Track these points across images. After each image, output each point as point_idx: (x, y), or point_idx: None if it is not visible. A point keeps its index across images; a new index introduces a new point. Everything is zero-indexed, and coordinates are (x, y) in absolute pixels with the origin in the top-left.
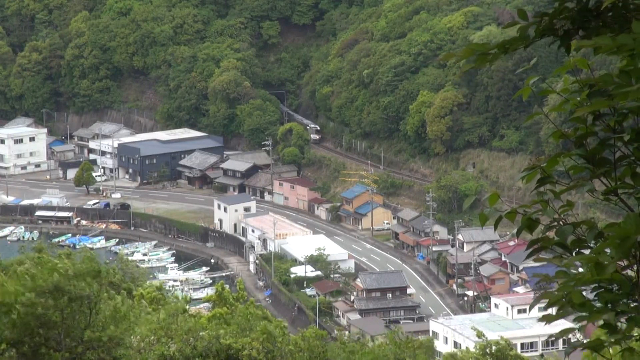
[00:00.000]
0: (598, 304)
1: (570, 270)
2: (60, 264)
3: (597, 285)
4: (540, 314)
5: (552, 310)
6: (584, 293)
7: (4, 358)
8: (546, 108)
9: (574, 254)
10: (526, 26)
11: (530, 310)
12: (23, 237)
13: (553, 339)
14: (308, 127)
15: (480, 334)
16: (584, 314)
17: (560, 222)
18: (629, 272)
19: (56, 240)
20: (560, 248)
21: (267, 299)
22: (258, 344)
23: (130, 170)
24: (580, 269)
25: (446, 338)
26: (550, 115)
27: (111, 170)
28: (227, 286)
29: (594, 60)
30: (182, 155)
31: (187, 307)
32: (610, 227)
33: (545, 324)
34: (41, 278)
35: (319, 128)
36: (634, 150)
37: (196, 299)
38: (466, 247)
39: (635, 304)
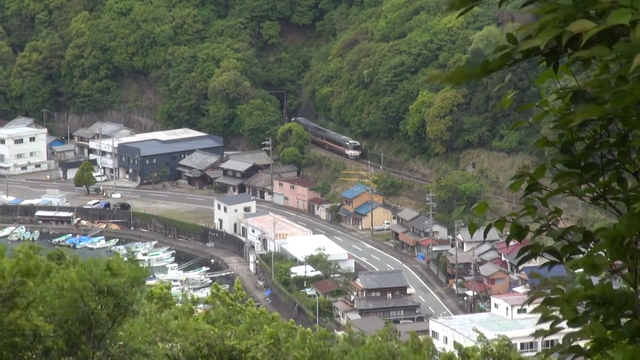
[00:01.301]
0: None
1: (569, 276)
2: (119, 266)
3: (590, 300)
4: (536, 314)
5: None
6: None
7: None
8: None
9: (564, 260)
10: (512, 51)
11: (522, 307)
12: (23, 237)
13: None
14: (347, 143)
15: (481, 337)
16: (574, 329)
17: (551, 228)
18: (626, 278)
19: (56, 240)
20: (550, 254)
21: (267, 299)
22: (264, 347)
23: (130, 170)
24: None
25: (446, 338)
26: (541, 120)
27: (111, 170)
28: (226, 286)
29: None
30: (182, 155)
31: (194, 307)
32: (601, 230)
33: (536, 338)
34: (95, 275)
35: (358, 144)
36: (618, 155)
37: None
38: (466, 247)
39: (626, 318)
